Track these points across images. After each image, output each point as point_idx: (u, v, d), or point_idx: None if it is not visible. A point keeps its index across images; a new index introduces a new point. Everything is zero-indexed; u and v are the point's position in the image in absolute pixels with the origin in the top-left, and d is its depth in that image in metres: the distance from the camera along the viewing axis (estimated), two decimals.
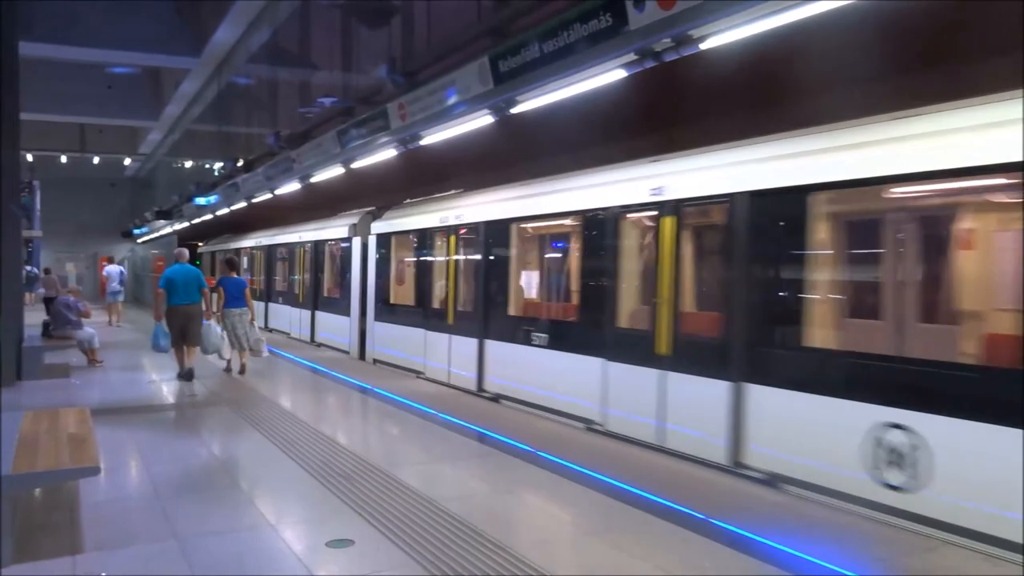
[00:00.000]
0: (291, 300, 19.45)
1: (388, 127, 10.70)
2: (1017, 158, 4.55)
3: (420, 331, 12.03)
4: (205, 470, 6.32)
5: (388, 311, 13.60)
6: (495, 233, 10.25)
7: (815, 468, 5.69)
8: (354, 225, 15.18)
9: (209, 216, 25.04)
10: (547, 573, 4.09)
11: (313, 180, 14.95)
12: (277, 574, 4.14)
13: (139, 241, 39.44)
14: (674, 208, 7.12)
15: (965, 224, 5.68)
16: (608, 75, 6.83)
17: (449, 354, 11.16)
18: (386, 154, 11.45)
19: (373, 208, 15.14)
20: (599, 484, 5.81)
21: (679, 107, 8.77)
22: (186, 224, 28.24)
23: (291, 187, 16.22)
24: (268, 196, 18.08)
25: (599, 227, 8.24)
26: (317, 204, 18.83)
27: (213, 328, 10.93)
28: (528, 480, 6.11)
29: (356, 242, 14.91)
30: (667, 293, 7.13)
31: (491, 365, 10.16)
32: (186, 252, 11.27)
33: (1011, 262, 5.14)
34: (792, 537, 4.57)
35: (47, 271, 23.75)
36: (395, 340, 13.11)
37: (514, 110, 8.18)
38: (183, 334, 10.57)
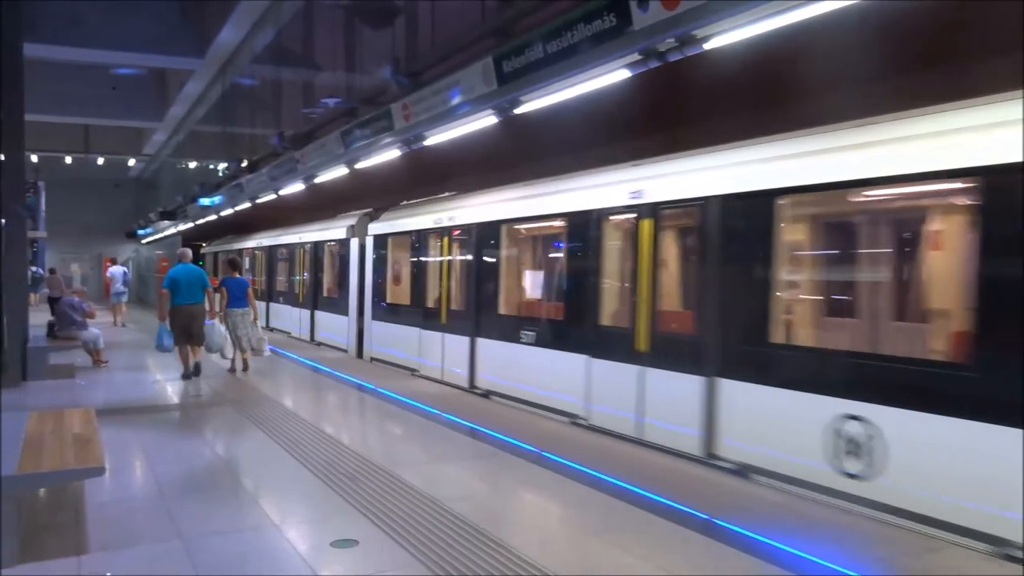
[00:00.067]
0: (291, 300, 19.71)
1: (392, 127, 10.70)
2: (954, 166, 4.91)
3: (415, 330, 12.28)
4: (209, 470, 6.33)
5: (385, 311, 13.86)
6: (486, 234, 10.50)
7: (781, 458, 5.98)
8: (352, 226, 15.40)
9: (213, 217, 25.09)
10: (550, 573, 4.09)
11: (317, 181, 14.97)
12: (282, 574, 4.15)
13: (143, 242, 39.52)
14: (651, 211, 7.42)
15: (916, 227, 6.15)
16: (612, 75, 6.82)
17: (442, 352, 11.40)
18: (390, 155, 11.46)
19: (371, 210, 15.33)
20: (595, 481, 5.85)
21: (683, 107, 8.76)
22: (190, 225, 28.30)
23: (295, 188, 16.26)
24: (272, 197, 18.12)
25: (583, 229, 8.49)
26: (319, 205, 18.87)
27: (217, 327, 10.99)
28: (531, 480, 6.11)
29: (354, 243, 15.14)
30: (645, 292, 7.44)
31: (482, 362, 10.42)
32: (189, 252, 11.32)
33: (946, 266, 5.71)
34: (793, 536, 4.56)
35: (52, 271, 23.83)
36: (391, 339, 13.37)
37: (518, 110, 8.17)
38: (187, 334, 10.62)
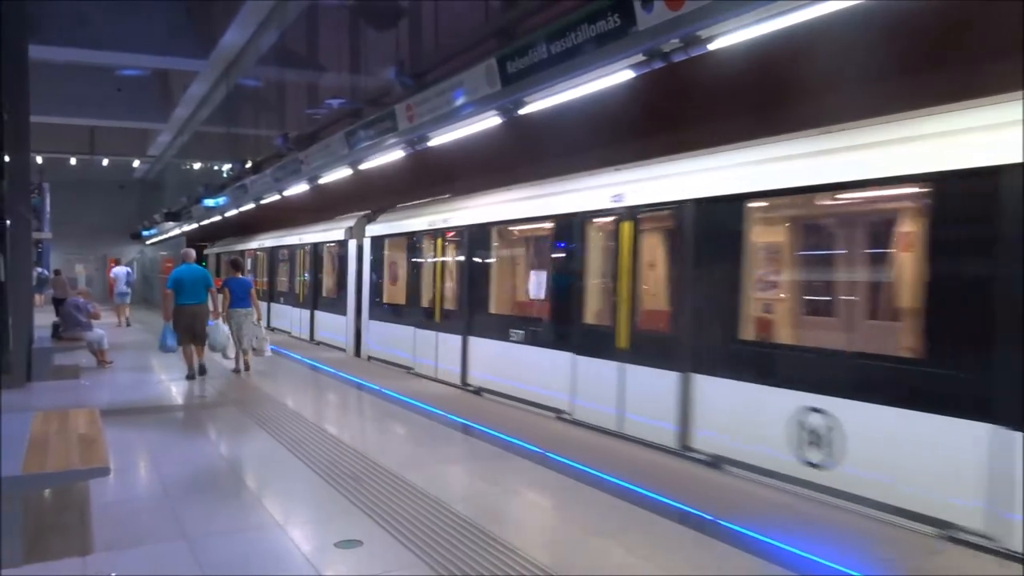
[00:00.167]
0: (292, 300, 20.02)
1: (396, 128, 10.70)
2: (901, 172, 5.33)
3: (410, 329, 12.60)
4: (214, 470, 6.34)
5: (381, 310, 14.19)
6: (477, 236, 10.84)
7: (750, 450, 6.29)
8: (351, 228, 15.69)
9: (217, 218, 25.14)
10: (554, 573, 4.09)
11: (321, 182, 15.00)
12: (286, 574, 4.15)
13: (148, 243, 39.59)
14: (631, 214, 7.77)
15: (870, 230, 6.63)
16: (616, 76, 6.80)
17: (436, 351, 11.68)
18: (394, 155, 11.47)
19: (369, 211, 15.58)
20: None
21: (688, 108, 8.74)
22: (195, 226, 28.37)
23: (299, 188, 16.30)
24: (276, 198, 18.16)
25: (568, 231, 8.84)
26: (322, 207, 18.92)
27: (220, 327, 11.04)
28: (534, 480, 6.12)
29: (352, 244, 15.44)
30: (625, 292, 7.76)
31: (474, 360, 10.70)
32: (193, 252, 11.41)
33: (898, 267, 6.14)
34: (795, 536, 4.56)
35: (57, 273, 23.86)
36: (387, 338, 13.67)
37: (522, 111, 8.17)
38: (191, 333, 10.65)
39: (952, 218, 5.08)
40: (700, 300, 6.92)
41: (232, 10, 19.30)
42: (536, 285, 9.92)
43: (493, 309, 10.56)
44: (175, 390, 10.36)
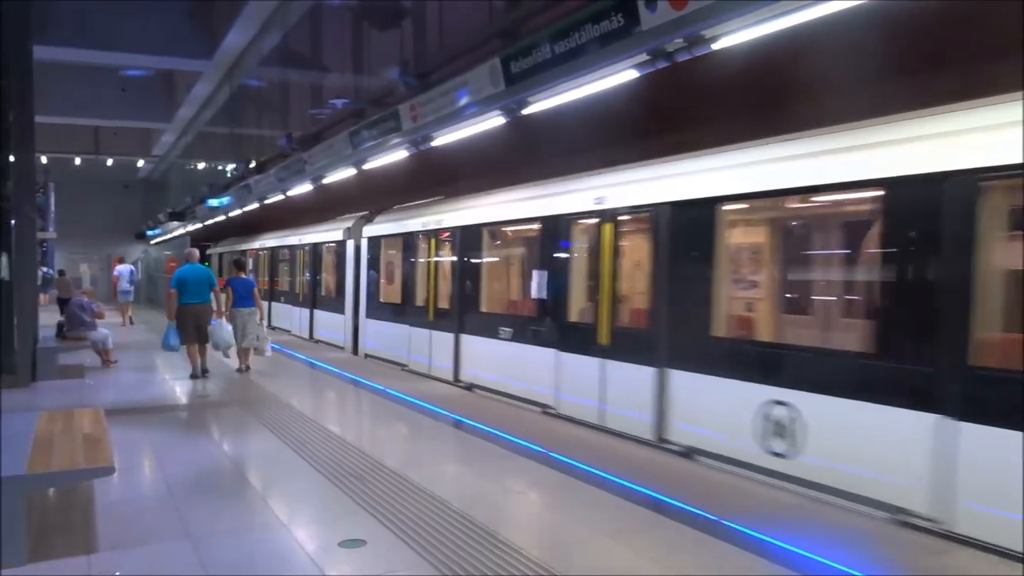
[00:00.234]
0: (292, 299, 20.28)
1: (400, 128, 10.72)
2: (856, 178, 5.57)
3: (405, 327, 12.85)
4: (218, 470, 6.36)
5: (378, 309, 14.43)
6: (468, 237, 11.08)
7: (720, 440, 6.59)
8: (349, 228, 15.91)
9: (221, 218, 25.19)
10: (558, 573, 4.09)
11: (324, 182, 15.03)
12: (290, 574, 4.16)
13: (152, 243, 39.65)
14: (611, 216, 8.07)
15: (831, 232, 6.98)
16: (620, 76, 6.81)
17: (430, 348, 11.93)
18: (397, 155, 11.49)
19: (367, 212, 15.76)
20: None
21: (689, 109, 8.73)
22: (199, 225, 28.42)
23: (303, 188, 16.34)
24: (279, 197, 18.20)
25: (554, 232, 9.15)
26: (324, 207, 18.98)
27: (224, 326, 11.10)
28: (538, 480, 6.12)
29: (350, 244, 15.67)
30: (606, 290, 8.08)
31: (465, 358, 10.96)
32: (196, 252, 11.46)
33: (856, 266, 6.56)
34: (798, 536, 4.56)
35: (61, 273, 23.91)
36: (384, 336, 13.93)
37: (525, 111, 8.18)
38: (195, 333, 10.69)
39: (893, 222, 5.42)
40: (675, 298, 7.22)
41: (235, 10, 19.33)
42: (524, 284, 10.06)
43: (484, 308, 10.83)
44: (179, 389, 10.38)
